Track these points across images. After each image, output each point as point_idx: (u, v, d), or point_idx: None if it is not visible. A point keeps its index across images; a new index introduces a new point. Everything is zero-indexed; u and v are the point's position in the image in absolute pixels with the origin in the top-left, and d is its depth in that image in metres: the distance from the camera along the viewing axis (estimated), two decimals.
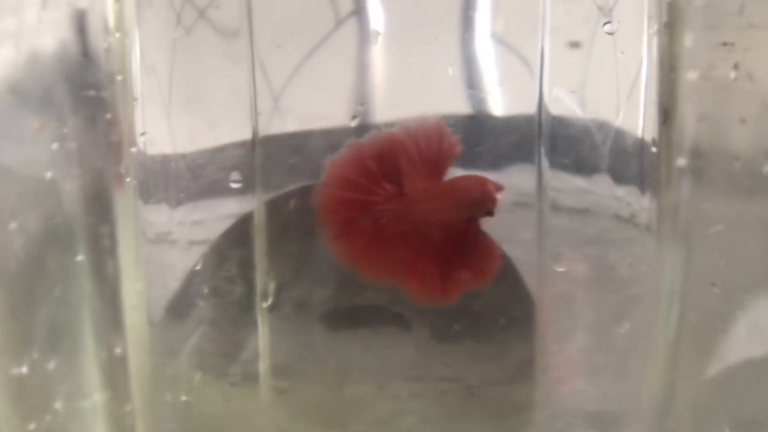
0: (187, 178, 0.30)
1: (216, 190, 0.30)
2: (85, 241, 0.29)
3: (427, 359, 0.30)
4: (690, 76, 0.27)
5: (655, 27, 0.28)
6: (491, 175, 0.27)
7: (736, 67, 0.25)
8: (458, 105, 0.28)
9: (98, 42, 0.29)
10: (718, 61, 0.25)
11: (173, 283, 0.30)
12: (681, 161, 0.28)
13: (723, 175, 0.26)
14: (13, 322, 0.27)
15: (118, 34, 0.29)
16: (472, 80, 0.28)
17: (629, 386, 0.30)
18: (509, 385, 0.30)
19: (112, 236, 0.30)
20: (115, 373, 0.30)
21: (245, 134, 0.29)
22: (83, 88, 0.28)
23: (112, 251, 0.30)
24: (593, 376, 0.30)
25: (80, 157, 0.28)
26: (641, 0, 0.28)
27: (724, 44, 0.25)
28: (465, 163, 0.28)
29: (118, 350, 0.30)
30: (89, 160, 0.29)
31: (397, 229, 0.27)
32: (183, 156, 0.30)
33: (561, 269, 0.29)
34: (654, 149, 0.29)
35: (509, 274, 0.29)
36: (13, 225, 0.27)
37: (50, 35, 0.28)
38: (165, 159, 0.30)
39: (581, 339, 0.30)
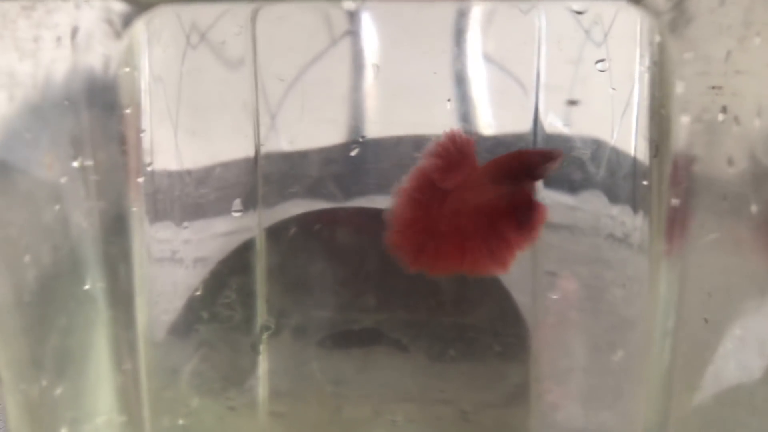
0: (193, 195, 0.31)
1: (220, 207, 0.31)
2: (102, 270, 0.30)
3: (423, 384, 0.31)
4: (679, 116, 0.27)
5: (646, 64, 0.28)
6: None
7: (724, 110, 0.25)
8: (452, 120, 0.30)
9: (111, 77, 0.29)
10: (707, 103, 0.26)
11: (177, 302, 0.31)
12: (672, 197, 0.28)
13: (713, 206, 0.27)
14: (27, 348, 0.28)
15: (127, 69, 0.30)
16: (465, 98, 0.30)
17: (623, 410, 0.30)
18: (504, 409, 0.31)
19: (127, 264, 0.31)
20: (129, 396, 0.31)
21: (248, 152, 0.30)
22: (103, 122, 0.29)
23: (127, 278, 0.31)
24: (587, 399, 0.31)
25: (98, 190, 0.29)
26: (633, 37, 0.29)
27: (713, 88, 0.25)
28: None
29: (131, 374, 0.31)
30: (106, 192, 0.30)
31: (454, 222, 0.29)
32: (189, 172, 0.31)
33: (555, 290, 0.30)
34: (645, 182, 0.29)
35: (502, 297, 0.30)
36: (27, 257, 0.28)
37: (67, 71, 0.28)
38: (170, 176, 0.31)
39: (576, 361, 0.30)
